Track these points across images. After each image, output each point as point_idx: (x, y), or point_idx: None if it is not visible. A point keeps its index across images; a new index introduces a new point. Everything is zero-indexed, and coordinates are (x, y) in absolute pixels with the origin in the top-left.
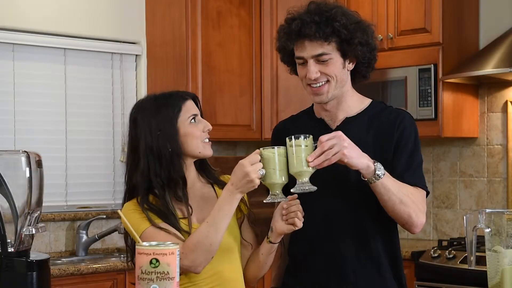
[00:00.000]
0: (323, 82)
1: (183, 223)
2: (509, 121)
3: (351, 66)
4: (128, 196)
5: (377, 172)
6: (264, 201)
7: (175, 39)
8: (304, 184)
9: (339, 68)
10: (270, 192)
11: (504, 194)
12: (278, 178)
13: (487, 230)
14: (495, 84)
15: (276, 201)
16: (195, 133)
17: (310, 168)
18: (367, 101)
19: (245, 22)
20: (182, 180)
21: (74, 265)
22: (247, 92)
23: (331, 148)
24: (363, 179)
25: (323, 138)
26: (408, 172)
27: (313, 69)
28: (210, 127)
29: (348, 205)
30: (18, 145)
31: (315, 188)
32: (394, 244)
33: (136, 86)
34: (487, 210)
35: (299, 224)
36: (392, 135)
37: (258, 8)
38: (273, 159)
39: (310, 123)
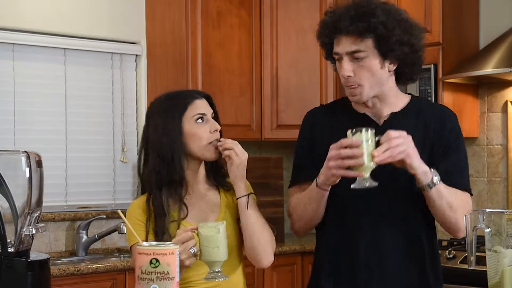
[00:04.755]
0: (356, 85)
1: (173, 226)
2: (509, 121)
3: (392, 67)
4: (142, 191)
5: (434, 178)
6: (203, 279)
7: (175, 39)
8: (366, 180)
9: (376, 68)
10: (209, 269)
11: (504, 194)
12: (220, 256)
13: (487, 230)
14: (495, 84)
15: (216, 280)
16: (200, 134)
17: (372, 163)
18: (407, 97)
19: (245, 22)
20: (180, 180)
21: (74, 265)
22: (247, 92)
23: (397, 146)
24: (418, 185)
25: (392, 134)
26: (459, 175)
27: (346, 67)
28: (218, 127)
29: (395, 209)
30: (18, 145)
31: (376, 183)
32: (434, 243)
33: (136, 86)
34: (487, 210)
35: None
36: (442, 133)
37: (258, 8)
38: (215, 237)
39: (352, 118)
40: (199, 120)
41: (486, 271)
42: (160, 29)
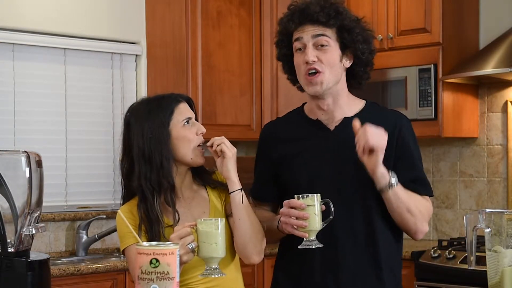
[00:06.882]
0: (318, 71)
1: (168, 231)
2: (509, 121)
3: (348, 64)
4: (125, 199)
5: (391, 179)
6: (200, 276)
7: (175, 39)
8: (310, 241)
9: (336, 59)
10: (206, 266)
11: (504, 194)
12: (218, 252)
13: (487, 230)
14: (495, 84)
15: (213, 276)
16: (188, 136)
17: (317, 226)
18: (361, 102)
19: (245, 22)
20: (170, 185)
21: (74, 265)
22: (247, 92)
23: (374, 134)
24: (377, 187)
25: (370, 127)
26: (418, 182)
27: (312, 52)
28: (204, 130)
29: (355, 209)
30: (18, 145)
31: (321, 245)
32: (398, 250)
33: (136, 86)
34: (487, 210)
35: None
36: (393, 140)
37: (258, 8)
38: (213, 233)
39: (305, 125)
40: (186, 123)
41: (486, 271)
42: (160, 29)
